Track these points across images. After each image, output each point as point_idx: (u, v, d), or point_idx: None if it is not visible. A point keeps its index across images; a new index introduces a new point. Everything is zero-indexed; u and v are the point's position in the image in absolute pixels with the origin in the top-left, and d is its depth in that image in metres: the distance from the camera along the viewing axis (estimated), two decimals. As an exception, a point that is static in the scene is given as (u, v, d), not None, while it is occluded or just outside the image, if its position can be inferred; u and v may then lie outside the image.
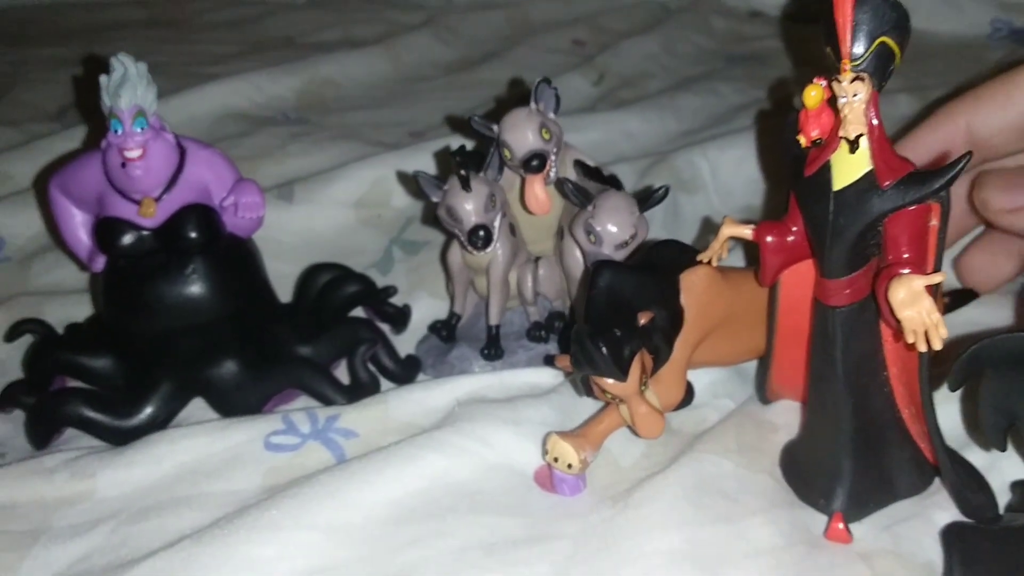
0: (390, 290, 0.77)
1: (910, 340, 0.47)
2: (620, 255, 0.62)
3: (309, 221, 0.88)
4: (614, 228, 0.62)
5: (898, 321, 0.47)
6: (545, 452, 0.58)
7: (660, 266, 0.59)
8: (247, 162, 0.96)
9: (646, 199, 0.63)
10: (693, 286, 0.58)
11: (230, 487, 0.59)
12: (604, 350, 0.51)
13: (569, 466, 0.57)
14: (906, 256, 0.49)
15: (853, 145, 0.48)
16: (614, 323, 0.53)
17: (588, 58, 1.22)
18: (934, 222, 0.49)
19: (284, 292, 0.77)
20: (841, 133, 0.48)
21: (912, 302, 0.46)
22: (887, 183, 0.48)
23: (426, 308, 0.78)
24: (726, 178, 0.94)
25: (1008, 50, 1.21)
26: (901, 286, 0.46)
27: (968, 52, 1.22)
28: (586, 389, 0.56)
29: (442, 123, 1.09)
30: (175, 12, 1.50)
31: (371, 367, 0.69)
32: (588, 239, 0.63)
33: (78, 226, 0.68)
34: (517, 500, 0.57)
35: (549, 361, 0.69)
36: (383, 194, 0.91)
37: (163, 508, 0.58)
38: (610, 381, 0.53)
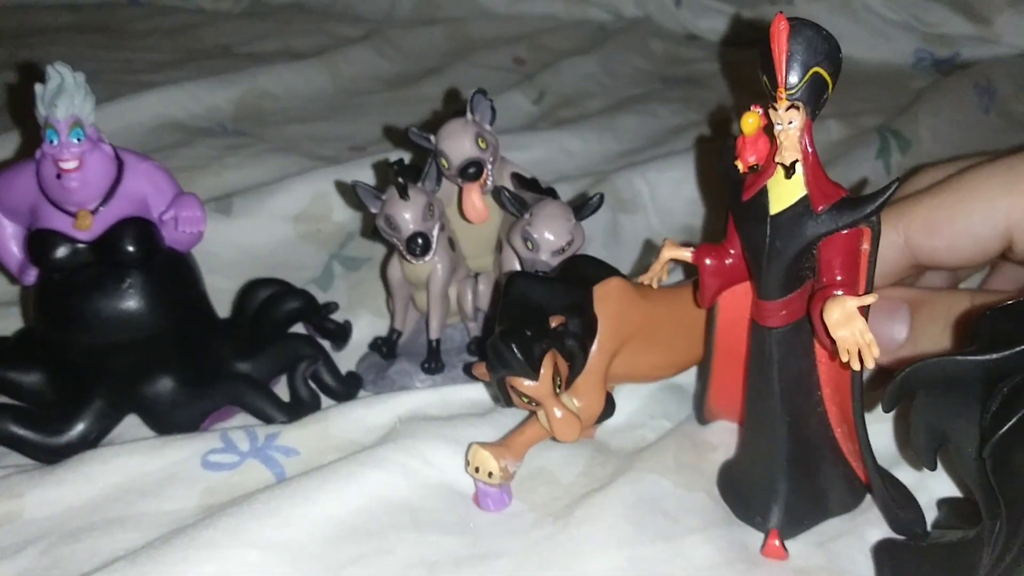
0: (331, 306, 0.76)
1: (844, 359, 0.48)
2: (556, 261, 0.63)
3: (248, 235, 0.87)
4: (551, 235, 0.63)
5: (833, 341, 0.49)
6: (467, 463, 0.59)
7: (574, 278, 0.60)
8: (184, 173, 0.93)
9: (581, 207, 0.64)
10: (607, 296, 0.58)
11: (166, 507, 0.58)
12: (514, 348, 0.52)
13: (490, 475, 0.57)
14: (839, 278, 0.50)
15: (789, 171, 0.49)
16: (525, 324, 0.54)
17: (528, 76, 1.23)
18: (865, 246, 0.50)
19: (222, 307, 0.75)
20: (777, 159, 0.49)
21: (846, 322, 0.47)
22: (821, 208, 0.49)
23: (367, 325, 0.78)
24: (665, 199, 0.95)
25: (931, 79, 1.24)
26: (836, 306, 0.48)
27: (894, 79, 1.25)
28: (504, 398, 0.56)
29: (382, 137, 1.09)
30: (107, 18, 1.46)
31: (312, 384, 0.69)
32: (526, 246, 0.63)
33: (9, 238, 0.66)
34: (458, 518, 0.57)
35: (467, 371, 0.69)
36: (323, 208, 0.91)
37: (95, 529, 0.56)
38: (525, 382, 0.53)
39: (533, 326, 0.54)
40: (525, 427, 0.59)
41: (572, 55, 1.29)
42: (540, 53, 1.33)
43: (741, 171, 0.51)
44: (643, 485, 0.58)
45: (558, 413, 0.54)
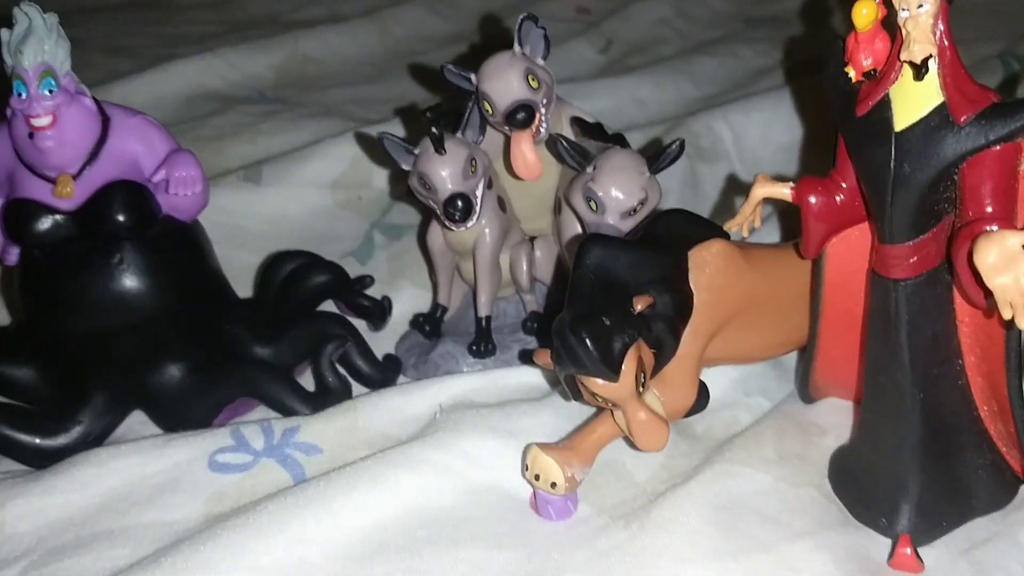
0: (365, 280, 0.70)
1: (1006, 315, 0.39)
2: (627, 226, 0.55)
3: (279, 205, 0.81)
4: (619, 193, 0.55)
5: (987, 293, 0.40)
6: (525, 468, 0.51)
7: (665, 241, 0.50)
8: (213, 143, 0.89)
9: (656, 156, 0.56)
10: (705, 265, 0.50)
11: (165, 517, 0.52)
12: (589, 343, 0.43)
13: (553, 485, 0.49)
14: (991, 210, 0.42)
15: (920, 70, 0.41)
16: (603, 309, 0.45)
17: (593, 25, 1.15)
18: None
19: (249, 286, 0.70)
20: (903, 56, 0.41)
21: (1007, 266, 0.39)
22: (964, 117, 0.41)
23: (410, 300, 0.72)
24: (752, 145, 0.87)
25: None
26: (991, 245, 0.39)
27: (1009, 5, 1.12)
28: (573, 392, 0.48)
29: (433, 99, 1.01)
30: (153, -7, 1.43)
31: (341, 370, 0.62)
32: (588, 207, 0.56)
33: (-15, 210, 0.61)
34: (509, 528, 0.51)
35: (526, 358, 0.61)
36: (363, 174, 0.84)
37: (83, 545, 0.50)
38: (599, 382, 0.45)
39: (613, 312, 0.45)
40: (596, 424, 0.51)
41: (641, 0, 1.20)
42: (606, 1, 1.24)
43: (854, 79, 0.45)
44: (736, 481, 0.52)
45: (642, 417, 0.45)
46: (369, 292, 0.70)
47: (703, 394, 0.52)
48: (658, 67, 1.02)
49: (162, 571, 0.46)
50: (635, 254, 0.49)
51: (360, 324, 0.67)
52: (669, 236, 0.51)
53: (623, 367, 0.44)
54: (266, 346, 0.62)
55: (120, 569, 0.48)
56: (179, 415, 0.59)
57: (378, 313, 0.68)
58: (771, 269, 0.53)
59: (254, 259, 0.74)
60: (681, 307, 0.49)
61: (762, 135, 0.87)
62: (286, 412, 0.59)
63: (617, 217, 0.55)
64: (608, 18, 1.16)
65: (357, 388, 0.63)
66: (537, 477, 0.49)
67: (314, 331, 0.62)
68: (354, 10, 1.26)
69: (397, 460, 0.52)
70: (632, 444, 0.48)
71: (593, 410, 0.55)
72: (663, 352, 0.48)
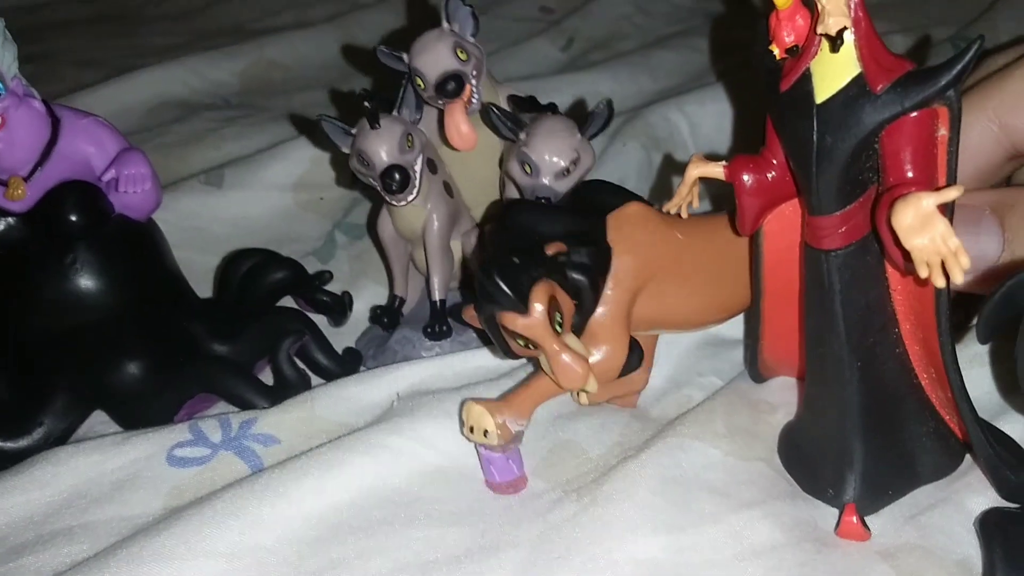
0: (324, 276, 0.69)
1: (923, 274, 0.39)
2: (562, 187, 0.56)
3: (241, 207, 0.81)
4: (551, 155, 0.55)
5: (906, 255, 0.39)
6: (462, 424, 0.51)
7: (586, 207, 0.52)
8: (177, 149, 0.89)
9: (587, 119, 0.56)
10: (624, 223, 0.51)
11: (125, 512, 0.52)
12: (496, 277, 0.45)
13: (485, 433, 0.49)
14: (911, 175, 0.41)
15: (835, 42, 0.40)
16: (513, 252, 0.46)
17: (555, 23, 1.15)
18: (943, 131, 0.41)
19: (211, 288, 0.70)
20: (820, 30, 0.41)
21: (922, 226, 0.38)
22: (880, 86, 0.41)
23: (372, 299, 0.71)
24: (707, 133, 0.86)
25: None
26: (908, 207, 0.38)
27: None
28: (501, 345, 0.49)
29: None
30: (121, 7, 1.42)
31: (301, 365, 0.62)
32: (523, 171, 0.56)
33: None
34: (464, 506, 0.51)
35: (456, 315, 0.60)
36: (324, 175, 0.84)
37: (43, 543, 0.50)
38: (519, 321, 0.45)
39: (523, 254, 0.46)
40: (531, 377, 0.51)
41: None
42: (568, 0, 1.23)
43: (777, 56, 0.43)
44: (686, 454, 0.52)
45: (558, 351, 0.46)
46: (330, 290, 0.69)
47: (635, 351, 0.52)
48: (617, 62, 1.02)
49: (118, 562, 0.46)
50: (555, 215, 0.51)
51: (322, 322, 0.66)
52: (590, 202, 0.52)
53: (533, 301, 0.45)
54: (224, 343, 0.61)
55: (76, 564, 0.47)
56: (139, 414, 0.58)
57: (338, 309, 0.67)
58: (696, 231, 0.54)
59: (217, 262, 0.73)
60: (598, 259, 0.49)
61: (717, 124, 0.86)
62: (245, 406, 0.59)
63: (551, 177, 0.55)
64: (570, 16, 1.16)
65: (318, 383, 0.62)
66: (472, 430, 0.49)
67: (272, 326, 0.62)
68: (319, 16, 1.26)
69: (352, 445, 0.52)
70: (556, 383, 0.48)
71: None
72: (583, 301, 0.48)
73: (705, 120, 0.86)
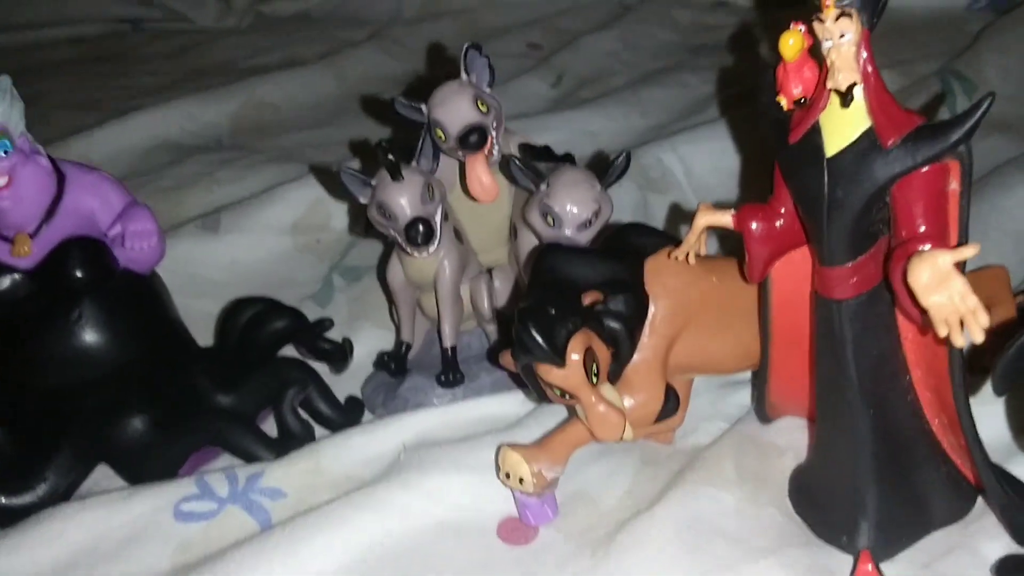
0: (325, 323, 0.69)
1: (942, 333, 0.39)
2: (584, 237, 0.56)
3: (238, 252, 0.81)
4: (574, 206, 0.55)
5: (923, 311, 0.39)
6: (498, 469, 0.51)
7: (621, 251, 0.52)
8: (172, 193, 0.88)
9: (605, 170, 0.57)
10: (661, 269, 0.52)
11: (132, 569, 0.52)
12: (533, 329, 0.45)
13: (521, 481, 0.49)
14: (923, 229, 0.42)
15: (845, 97, 0.41)
16: (550, 301, 0.46)
17: (544, 59, 1.16)
18: (954, 185, 0.42)
19: (210, 335, 0.69)
20: (829, 85, 0.41)
21: (939, 284, 0.38)
22: (891, 141, 0.41)
23: (372, 341, 0.71)
24: (701, 173, 0.87)
25: (986, 21, 1.13)
26: (924, 265, 0.39)
27: (948, 24, 1.15)
28: (537, 390, 0.49)
29: (393, 138, 1.00)
30: (111, 47, 1.43)
31: (304, 415, 0.61)
32: (546, 222, 0.56)
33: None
34: (476, 560, 0.51)
35: (492, 358, 0.61)
36: (321, 216, 0.84)
37: None
38: (551, 370, 0.46)
39: (560, 304, 0.46)
40: (567, 425, 0.51)
41: (590, 34, 1.21)
42: (556, 36, 1.25)
43: (785, 107, 0.44)
44: (698, 502, 0.52)
45: (595, 404, 0.46)
46: (330, 335, 0.68)
47: (671, 399, 0.52)
48: (608, 99, 1.02)
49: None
50: (590, 260, 0.50)
51: (322, 368, 0.65)
52: (626, 247, 0.52)
53: (569, 353, 0.45)
54: (228, 394, 0.61)
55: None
56: (144, 468, 0.58)
57: (339, 356, 0.67)
58: (728, 275, 0.54)
59: (214, 307, 0.72)
60: (636, 307, 0.50)
61: (712, 164, 0.87)
62: (250, 459, 0.58)
63: (574, 229, 0.55)
64: (558, 52, 1.17)
65: (322, 433, 0.61)
66: (508, 476, 0.50)
67: (275, 377, 0.61)
68: (310, 55, 1.26)
69: (361, 502, 0.52)
70: (593, 435, 0.48)
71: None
72: (620, 349, 0.49)
73: (698, 159, 0.87)
